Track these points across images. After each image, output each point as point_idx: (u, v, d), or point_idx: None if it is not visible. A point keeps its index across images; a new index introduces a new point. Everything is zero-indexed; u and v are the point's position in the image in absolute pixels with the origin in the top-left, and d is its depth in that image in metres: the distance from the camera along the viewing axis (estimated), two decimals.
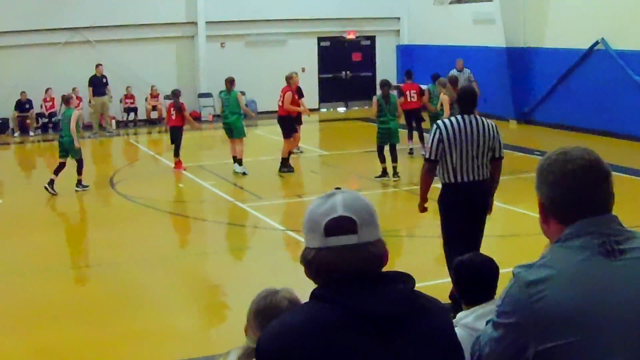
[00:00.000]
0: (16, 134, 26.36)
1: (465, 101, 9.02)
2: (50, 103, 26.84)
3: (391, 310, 2.53)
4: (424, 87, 21.14)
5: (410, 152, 20.22)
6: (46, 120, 26.98)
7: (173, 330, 9.37)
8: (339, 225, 2.61)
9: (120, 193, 17.09)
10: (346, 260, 2.59)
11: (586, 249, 2.71)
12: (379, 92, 17.68)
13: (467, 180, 8.80)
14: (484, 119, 8.92)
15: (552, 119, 23.95)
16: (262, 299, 3.82)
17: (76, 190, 17.11)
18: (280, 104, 19.08)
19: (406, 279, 2.65)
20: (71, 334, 9.22)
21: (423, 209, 9.33)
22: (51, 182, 16.85)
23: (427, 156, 8.98)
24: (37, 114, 26.86)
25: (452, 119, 8.89)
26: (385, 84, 17.75)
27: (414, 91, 20.82)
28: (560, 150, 2.85)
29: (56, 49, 27.01)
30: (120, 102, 28.09)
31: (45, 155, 25.07)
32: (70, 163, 16.98)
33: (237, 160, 18.82)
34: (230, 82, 19.04)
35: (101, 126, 27.00)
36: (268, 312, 3.68)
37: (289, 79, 19.17)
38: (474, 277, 4.80)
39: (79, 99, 26.93)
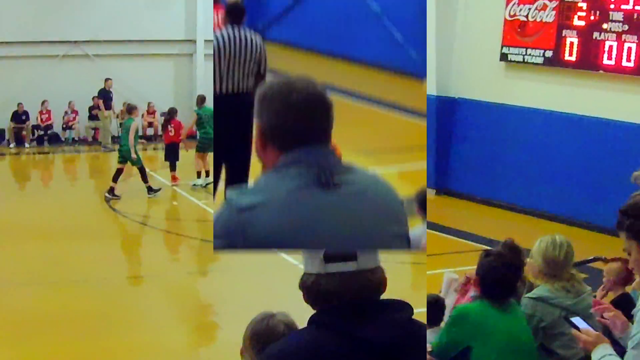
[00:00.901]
0: (12, 145, 26.30)
1: None
2: (47, 115, 26.76)
3: (389, 338, 2.53)
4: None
5: None
6: (42, 132, 26.92)
7: (164, 348, 9.34)
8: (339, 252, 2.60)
9: (114, 209, 17.06)
10: (345, 287, 2.59)
11: (300, 177, 2.70)
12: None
13: None
14: None
15: None
16: (258, 322, 3.83)
17: (149, 197, 17.99)
18: None
19: (404, 307, 2.65)
20: (60, 348, 9.19)
21: None
22: (111, 190, 17.91)
23: None
24: (33, 125, 26.79)
25: None
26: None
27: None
28: (285, 79, 2.86)
29: (54, 62, 27.00)
30: (117, 117, 28.05)
31: (39, 167, 25.09)
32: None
33: (207, 173, 19.07)
34: (202, 99, 19.89)
35: (97, 140, 27.06)
36: (264, 335, 3.69)
37: None
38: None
39: (76, 112, 26.97)
